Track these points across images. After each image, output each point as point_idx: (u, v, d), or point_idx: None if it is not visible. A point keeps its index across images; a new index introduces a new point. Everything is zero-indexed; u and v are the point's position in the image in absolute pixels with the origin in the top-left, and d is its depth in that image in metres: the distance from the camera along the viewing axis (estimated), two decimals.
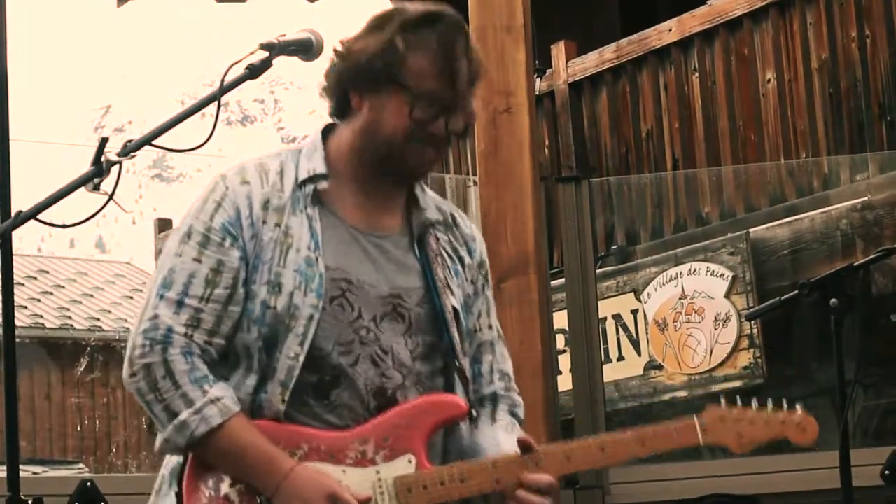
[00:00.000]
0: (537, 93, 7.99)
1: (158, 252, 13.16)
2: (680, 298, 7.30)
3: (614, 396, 7.33)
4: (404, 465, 2.81)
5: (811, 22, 7.30)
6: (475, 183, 5.45)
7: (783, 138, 7.40)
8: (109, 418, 20.34)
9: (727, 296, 7.08)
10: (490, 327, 3.07)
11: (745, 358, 6.99)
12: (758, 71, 7.55)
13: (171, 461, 2.92)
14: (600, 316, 6.19)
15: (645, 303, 7.46)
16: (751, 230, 7.14)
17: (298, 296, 2.81)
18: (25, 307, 20.34)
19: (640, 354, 7.52)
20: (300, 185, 2.89)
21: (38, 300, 21.63)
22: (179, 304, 2.81)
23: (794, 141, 7.36)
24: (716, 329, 7.14)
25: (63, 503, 4.51)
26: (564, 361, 5.90)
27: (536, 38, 5.92)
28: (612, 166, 8.32)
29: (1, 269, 4.10)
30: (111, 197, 2.63)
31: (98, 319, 21.56)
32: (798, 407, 3.06)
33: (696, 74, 7.86)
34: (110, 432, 20.32)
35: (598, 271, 6.49)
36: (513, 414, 3.05)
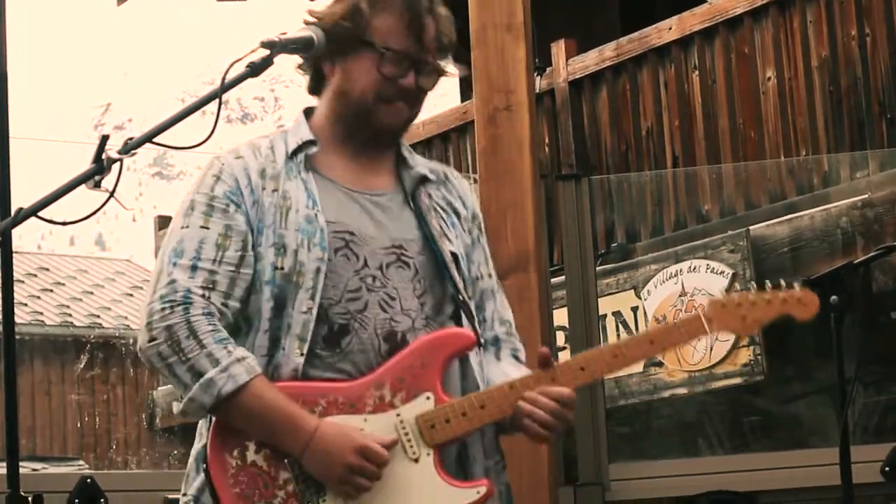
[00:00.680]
0: (537, 91, 7.99)
1: (158, 249, 13.15)
2: (680, 296, 7.30)
3: (614, 393, 7.33)
4: (423, 403, 2.85)
5: (811, 20, 7.30)
6: (475, 180, 5.45)
7: (783, 136, 7.40)
8: (109, 415, 20.35)
9: (727, 293, 7.08)
10: (490, 276, 3.14)
11: (745, 355, 6.99)
12: (758, 69, 7.55)
13: (196, 448, 2.94)
14: (600, 313, 6.20)
15: (645, 300, 7.47)
16: (751, 228, 7.14)
17: (303, 252, 2.87)
18: (25, 304, 20.35)
19: None
20: (291, 155, 2.97)
21: (39, 297, 21.63)
22: (193, 269, 2.86)
23: (795, 139, 7.36)
24: None
25: (63, 500, 4.52)
26: (564, 358, 5.89)
27: (536, 37, 5.92)
28: (613, 164, 8.32)
29: (1, 266, 4.11)
30: (112, 194, 2.63)
31: (98, 317, 21.56)
32: (797, 283, 3.09)
33: (697, 72, 7.86)
34: (110, 429, 20.32)
35: (598, 268, 6.49)
36: (515, 356, 3.12)
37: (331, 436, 2.79)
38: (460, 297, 2.97)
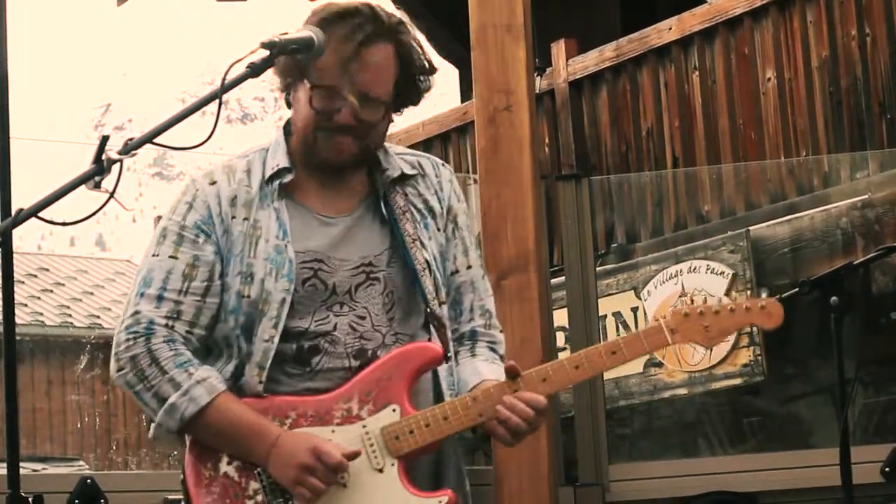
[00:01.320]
0: (537, 91, 7.99)
1: None
2: (680, 296, 7.30)
3: (614, 394, 7.33)
4: (389, 415, 2.93)
5: (811, 20, 7.30)
6: (475, 181, 5.46)
7: (783, 136, 7.40)
8: (109, 415, 20.35)
9: (727, 293, 7.08)
10: (468, 267, 3.16)
11: (744, 356, 6.99)
12: (758, 69, 7.55)
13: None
14: (600, 314, 6.19)
15: (645, 300, 7.46)
16: (751, 228, 7.14)
17: (270, 282, 2.94)
18: (26, 305, 20.36)
19: None
20: (267, 181, 3.01)
21: (39, 298, 21.64)
22: (160, 299, 2.96)
23: (795, 139, 7.36)
24: None
25: (63, 500, 4.51)
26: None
27: (536, 37, 5.92)
28: (613, 164, 8.32)
29: (1, 266, 4.11)
30: (112, 195, 2.63)
31: (98, 317, 21.57)
32: (763, 293, 3.09)
33: (697, 73, 7.86)
34: (110, 429, 20.33)
35: (598, 269, 6.49)
36: (492, 349, 3.15)
37: (290, 442, 2.88)
38: (429, 309, 3.01)
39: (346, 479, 2.89)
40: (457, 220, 3.15)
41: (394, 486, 2.90)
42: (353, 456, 2.87)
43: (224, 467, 2.93)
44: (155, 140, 2.72)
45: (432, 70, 3.07)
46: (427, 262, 3.03)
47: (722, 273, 7.13)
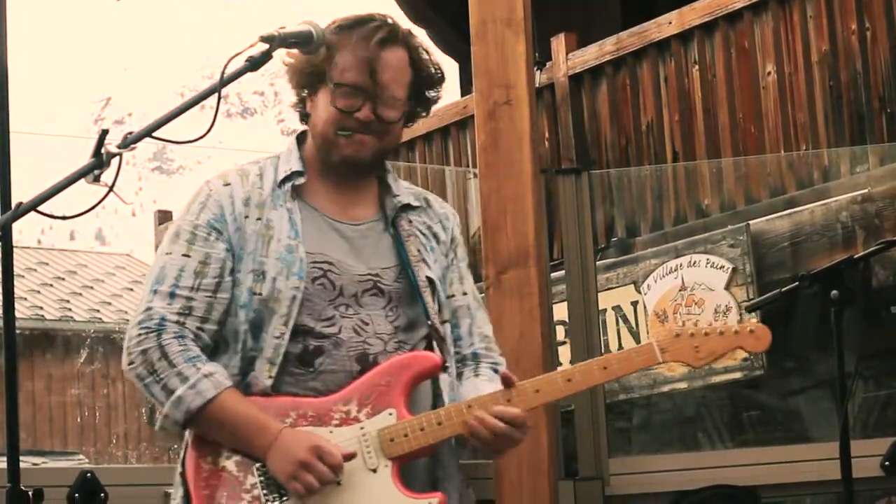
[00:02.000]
0: (537, 85, 7.99)
1: (158, 244, 13.14)
2: (680, 290, 7.30)
3: (614, 388, 7.33)
4: (386, 418, 3.02)
5: (811, 14, 7.30)
6: (475, 175, 5.46)
7: (783, 131, 7.40)
8: (109, 409, 20.36)
9: (727, 288, 7.09)
10: (465, 294, 3.29)
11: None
12: (758, 63, 7.54)
13: (180, 460, 3.11)
14: (600, 308, 6.19)
15: (645, 294, 7.47)
16: (751, 222, 7.14)
17: (281, 280, 3.03)
18: (25, 299, 20.35)
19: None
20: (279, 184, 3.12)
21: (38, 292, 21.64)
22: (172, 296, 3.05)
23: (794, 133, 7.36)
24: (716, 321, 7.14)
25: (63, 494, 4.51)
26: (564, 353, 5.90)
27: (536, 31, 5.92)
28: (613, 158, 8.32)
29: (1, 260, 4.10)
30: (111, 189, 2.64)
31: (98, 311, 21.57)
32: (752, 317, 3.14)
33: (697, 67, 7.86)
34: (110, 423, 20.34)
35: (598, 263, 6.49)
36: (494, 370, 3.24)
37: (291, 437, 2.96)
38: (430, 322, 3.12)
39: (341, 478, 2.96)
40: (457, 252, 3.29)
41: (386, 486, 2.99)
42: (350, 457, 2.96)
43: (224, 461, 3.01)
44: (154, 134, 2.72)
45: (442, 80, 3.21)
46: (430, 280, 3.15)
47: (722, 267, 7.13)
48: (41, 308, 20.99)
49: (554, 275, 5.84)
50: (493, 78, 5.22)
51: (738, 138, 7.61)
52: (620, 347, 7.56)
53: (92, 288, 22.87)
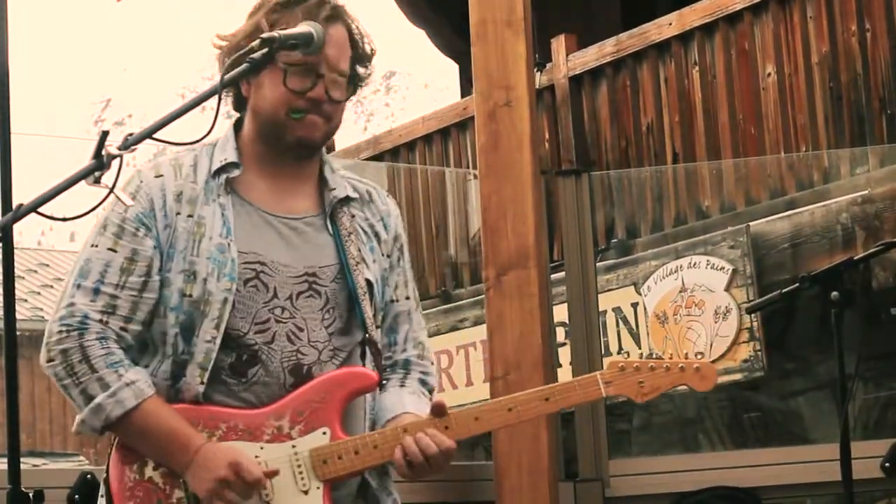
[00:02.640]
0: (537, 86, 7.99)
1: None
2: (680, 291, 7.30)
3: None
4: (319, 438, 2.92)
5: (811, 16, 7.30)
6: (475, 176, 5.46)
7: (783, 132, 7.40)
8: None
9: (727, 289, 7.09)
10: (407, 298, 3.17)
11: (745, 351, 6.99)
12: (758, 65, 7.54)
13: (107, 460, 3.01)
14: (600, 309, 6.19)
15: (645, 296, 7.47)
16: (751, 224, 7.14)
17: (212, 281, 2.90)
18: (26, 300, 20.34)
19: (640, 347, 7.52)
20: (213, 175, 2.98)
21: (39, 293, 21.62)
22: (95, 292, 2.91)
23: (795, 135, 7.36)
24: (716, 322, 7.14)
25: (63, 495, 4.51)
26: (564, 354, 5.90)
27: (536, 32, 5.92)
28: (613, 160, 8.32)
29: (1, 262, 4.10)
30: (111, 190, 2.63)
31: None
32: (699, 356, 3.14)
33: (697, 68, 7.86)
34: None
35: (598, 264, 6.49)
36: (423, 382, 3.16)
37: (211, 453, 2.86)
38: (367, 334, 3.01)
39: (271, 498, 2.87)
40: (402, 250, 3.17)
41: None
42: (273, 474, 2.86)
43: (149, 472, 2.91)
44: (155, 135, 2.71)
45: (372, 56, 3.07)
46: (369, 283, 3.03)
47: (722, 268, 7.13)
48: (41, 309, 20.97)
49: (554, 276, 5.84)
50: (493, 79, 5.23)
51: (739, 139, 7.61)
52: (620, 349, 7.57)
53: None
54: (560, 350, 6.02)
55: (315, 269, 2.98)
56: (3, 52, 4.21)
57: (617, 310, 7.58)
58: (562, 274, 5.90)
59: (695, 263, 7.28)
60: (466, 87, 9.64)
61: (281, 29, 2.89)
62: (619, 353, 7.56)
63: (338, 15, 2.98)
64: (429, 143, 9.11)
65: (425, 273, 8.98)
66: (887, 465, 4.78)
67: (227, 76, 2.81)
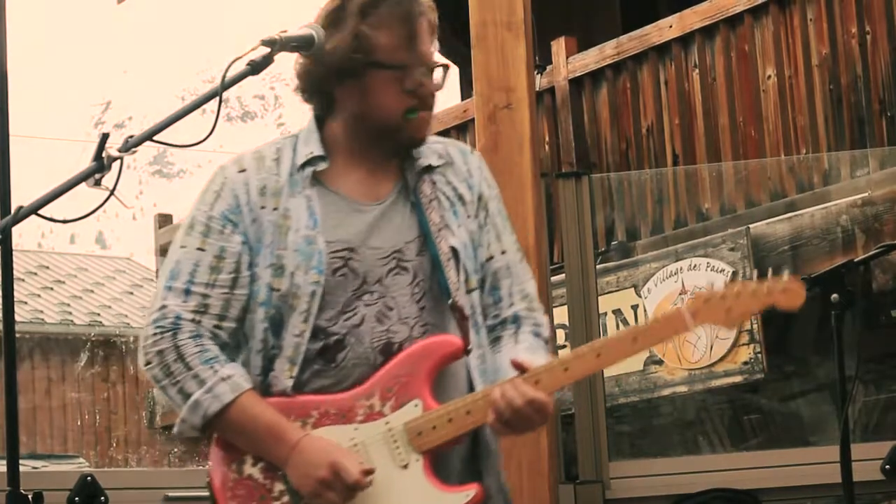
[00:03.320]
0: (538, 89, 7.99)
1: (159, 248, 13.14)
2: (680, 294, 7.30)
3: (615, 391, 7.33)
4: (411, 410, 2.89)
5: (812, 18, 7.30)
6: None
7: (783, 134, 7.40)
8: (110, 413, 20.35)
9: None
10: (503, 252, 3.11)
11: (745, 353, 6.99)
12: (758, 67, 7.55)
13: None
14: (600, 311, 6.19)
15: (645, 298, 7.47)
16: (751, 226, 7.14)
17: (299, 275, 2.90)
18: (26, 302, 20.34)
19: None
20: (299, 168, 2.98)
21: (39, 296, 21.62)
22: (187, 293, 2.93)
23: (795, 137, 7.36)
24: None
25: (63, 498, 4.51)
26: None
27: (537, 34, 5.92)
28: (613, 162, 8.32)
29: (1, 264, 4.10)
30: (112, 193, 2.63)
31: (98, 315, 21.55)
32: (784, 273, 3.00)
33: (697, 70, 7.86)
34: (110, 427, 20.31)
35: (598, 267, 6.49)
36: (536, 334, 3.09)
37: (310, 449, 2.86)
38: (452, 299, 2.97)
39: (371, 477, 2.86)
40: (488, 207, 3.11)
41: (419, 481, 2.87)
42: (370, 472, 2.84)
43: (249, 468, 2.91)
44: (155, 137, 2.71)
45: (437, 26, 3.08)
46: (454, 249, 2.99)
47: (722, 271, 7.13)
48: (41, 312, 20.98)
49: (554, 278, 5.84)
50: (493, 81, 5.22)
51: (739, 142, 7.62)
52: None
53: (92, 291, 22.85)
54: (560, 352, 6.01)
55: (401, 246, 2.97)
56: (2, 53, 4.22)
57: (617, 312, 7.58)
58: (562, 276, 5.90)
59: (695, 266, 7.28)
60: (466, 89, 9.65)
61: (378, 29, 2.92)
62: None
63: (421, 7, 3.00)
64: None
65: None
66: (887, 467, 4.78)
67: (226, 79, 2.80)
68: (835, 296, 3.76)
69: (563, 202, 5.79)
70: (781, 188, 7.34)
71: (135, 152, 2.68)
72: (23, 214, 2.63)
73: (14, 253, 4.19)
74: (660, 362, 7.39)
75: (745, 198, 7.50)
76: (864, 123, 7.05)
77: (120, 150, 2.64)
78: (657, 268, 7.46)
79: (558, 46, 8.53)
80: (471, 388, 2.98)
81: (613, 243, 8.03)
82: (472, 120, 5.59)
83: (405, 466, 2.88)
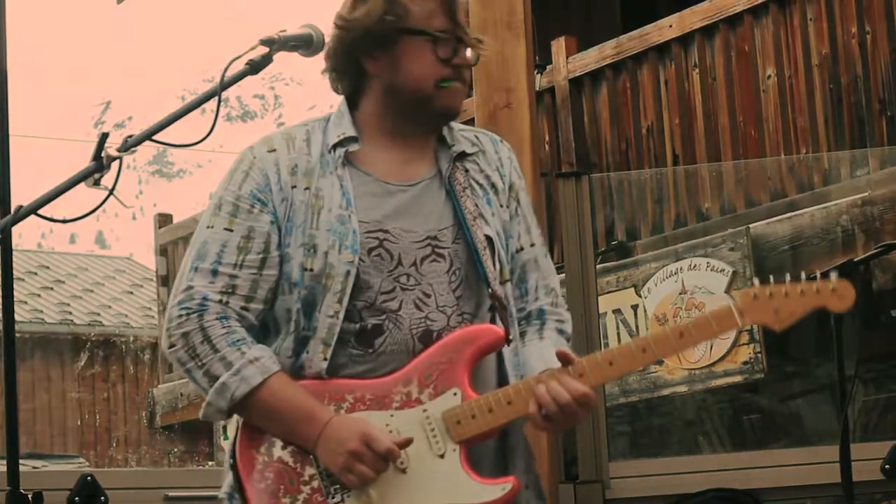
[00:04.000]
0: (537, 89, 7.99)
1: (159, 247, 13.14)
2: (680, 293, 7.30)
3: (615, 391, 7.33)
4: (450, 399, 2.82)
5: (811, 18, 7.30)
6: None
7: (783, 134, 7.40)
8: (109, 413, 20.35)
9: (727, 291, 7.09)
10: (532, 245, 3.06)
11: (745, 353, 6.99)
12: (758, 67, 7.55)
13: (228, 444, 2.93)
14: (600, 311, 6.19)
15: (645, 298, 7.47)
16: (751, 226, 7.14)
17: (333, 254, 2.83)
18: (26, 302, 20.34)
19: None
20: (331, 149, 2.92)
21: (39, 295, 21.62)
22: (214, 273, 2.86)
23: (795, 137, 7.36)
24: None
25: (63, 497, 4.51)
26: None
27: (536, 34, 5.92)
28: (613, 162, 8.33)
29: (1, 263, 4.11)
30: (111, 192, 2.63)
31: (98, 314, 21.56)
32: (832, 274, 2.95)
33: (697, 70, 7.86)
34: (110, 427, 20.32)
35: (598, 267, 6.49)
36: (560, 331, 3.05)
37: (341, 425, 2.78)
38: (490, 289, 2.91)
39: (406, 465, 2.79)
40: (519, 198, 3.06)
41: (455, 471, 2.80)
42: (405, 444, 2.78)
43: (278, 452, 2.83)
44: (155, 137, 2.71)
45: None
46: (489, 238, 2.94)
47: (722, 271, 7.13)
48: (41, 311, 20.98)
49: None
50: (493, 81, 5.23)
51: (739, 142, 7.62)
52: None
53: (92, 291, 22.86)
54: None
55: (436, 233, 2.91)
56: (1, 53, 4.22)
57: (617, 312, 7.58)
58: (562, 276, 5.90)
59: (695, 265, 7.28)
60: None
61: (409, 8, 2.87)
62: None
63: None
64: None
65: None
66: (887, 467, 4.77)
67: (226, 79, 2.80)
68: None
69: (563, 202, 5.79)
70: (781, 188, 7.34)
71: (134, 152, 2.68)
72: (23, 214, 2.63)
73: (14, 253, 4.19)
74: (660, 362, 7.39)
75: (745, 198, 7.50)
76: (864, 123, 7.06)
77: (119, 150, 2.64)
78: (657, 268, 7.46)
79: (558, 46, 8.53)
80: (500, 380, 2.93)
81: (613, 243, 8.04)
82: (472, 120, 5.59)
83: (442, 455, 2.80)
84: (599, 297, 5.95)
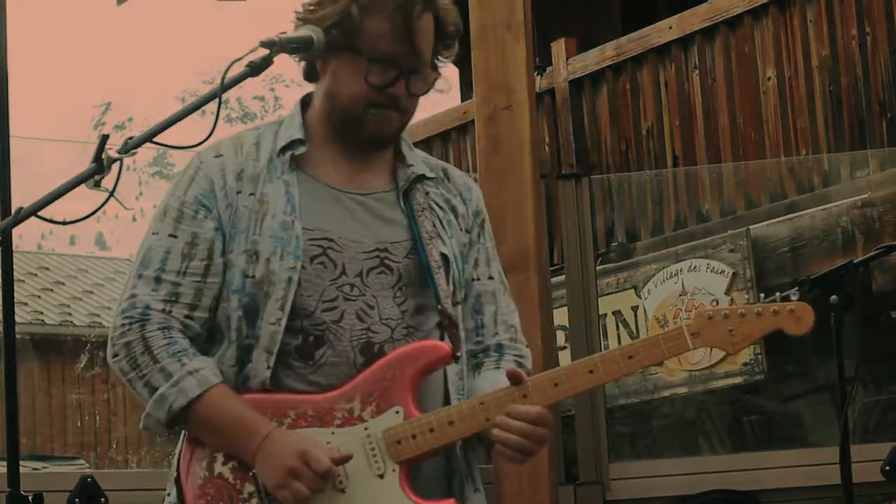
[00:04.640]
0: (538, 90, 7.99)
1: None
2: (680, 295, 7.30)
3: (615, 393, 7.33)
4: (392, 417, 2.77)
5: (811, 19, 7.30)
6: (475, 180, 5.45)
7: (783, 135, 7.40)
8: (110, 414, 20.35)
9: (727, 293, 7.09)
10: (491, 277, 3.02)
11: (745, 354, 6.99)
12: (758, 68, 7.55)
13: (175, 453, 2.89)
14: (600, 312, 6.19)
15: (645, 299, 7.47)
16: (751, 227, 7.14)
17: (275, 261, 2.79)
18: (26, 304, 20.36)
19: None
20: (278, 152, 2.89)
21: (39, 297, 21.64)
22: (157, 280, 2.82)
23: (795, 138, 7.37)
24: None
25: (63, 499, 4.51)
26: (565, 358, 5.90)
27: (537, 36, 5.92)
28: (613, 163, 8.33)
29: (1, 265, 4.11)
30: (112, 194, 2.62)
31: (98, 316, 21.57)
32: (792, 297, 2.92)
33: (697, 72, 7.86)
34: (110, 428, 20.32)
35: (598, 268, 6.49)
36: (519, 364, 3.00)
37: (278, 441, 2.73)
38: (440, 306, 2.86)
39: (345, 485, 2.74)
40: (483, 227, 3.03)
41: (394, 493, 2.74)
42: (342, 461, 2.72)
43: (219, 467, 2.78)
44: (155, 139, 2.71)
45: (456, 35, 2.95)
46: (444, 257, 2.89)
47: (722, 272, 7.13)
48: (41, 313, 20.99)
49: (554, 280, 5.84)
50: (493, 83, 5.23)
51: (739, 143, 7.62)
52: None
53: (92, 293, 22.87)
54: (560, 353, 6.02)
55: (386, 245, 2.86)
56: (2, 55, 4.22)
57: (617, 313, 7.58)
58: (562, 277, 5.90)
59: (695, 267, 7.28)
60: (466, 90, 9.64)
61: (371, 13, 2.79)
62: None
63: (428, 4, 2.84)
64: (429, 146, 9.11)
65: None
66: (887, 468, 4.78)
67: (226, 80, 2.80)
68: (834, 297, 3.76)
69: (563, 203, 5.79)
70: (781, 189, 7.34)
71: (135, 154, 2.67)
72: (23, 216, 2.63)
73: (14, 254, 4.19)
74: (660, 364, 7.40)
75: (745, 199, 7.51)
76: (863, 125, 7.06)
77: (120, 152, 2.63)
78: (657, 269, 7.46)
79: (558, 48, 8.53)
80: (447, 398, 2.88)
81: (613, 244, 8.04)
82: (472, 121, 5.60)
83: (381, 475, 2.75)
84: (599, 299, 5.95)
